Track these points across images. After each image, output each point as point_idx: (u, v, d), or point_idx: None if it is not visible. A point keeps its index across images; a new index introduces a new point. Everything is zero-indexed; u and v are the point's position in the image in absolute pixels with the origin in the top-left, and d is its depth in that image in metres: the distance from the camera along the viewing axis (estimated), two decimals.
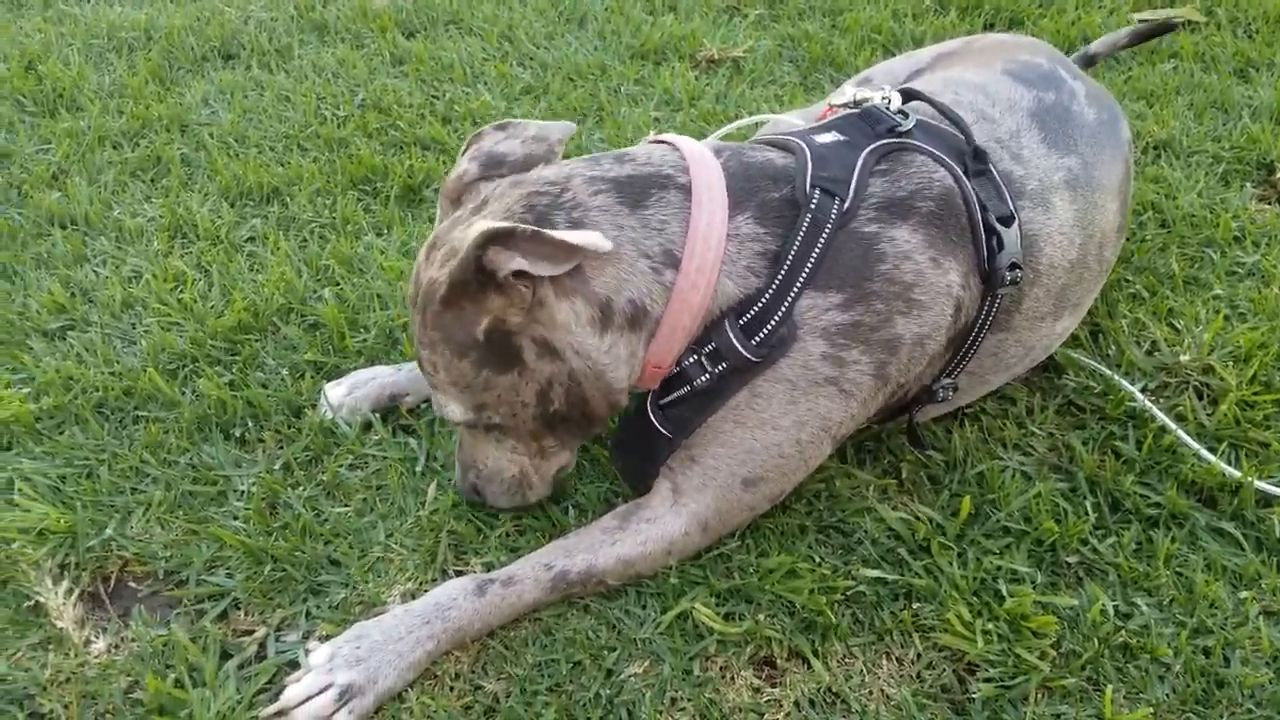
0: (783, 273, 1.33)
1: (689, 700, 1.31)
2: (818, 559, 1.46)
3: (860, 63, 2.94)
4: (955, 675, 1.34)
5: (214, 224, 2.21)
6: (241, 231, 2.21)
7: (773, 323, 1.34)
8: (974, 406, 1.70)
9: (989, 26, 3.22)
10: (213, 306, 1.95)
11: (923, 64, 2.04)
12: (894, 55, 2.95)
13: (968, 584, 1.42)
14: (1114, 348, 1.81)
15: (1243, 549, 1.48)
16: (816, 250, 1.33)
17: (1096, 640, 1.34)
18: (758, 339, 1.34)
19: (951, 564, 1.44)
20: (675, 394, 1.42)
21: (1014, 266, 1.44)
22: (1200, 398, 1.71)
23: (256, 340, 1.87)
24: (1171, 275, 1.98)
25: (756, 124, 2.13)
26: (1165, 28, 2.44)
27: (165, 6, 3.44)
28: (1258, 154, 2.40)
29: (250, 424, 1.71)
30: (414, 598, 1.43)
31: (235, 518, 1.56)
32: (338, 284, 2.00)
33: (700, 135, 2.55)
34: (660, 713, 1.30)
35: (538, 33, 3.18)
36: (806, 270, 1.33)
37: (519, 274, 1.25)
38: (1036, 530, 1.49)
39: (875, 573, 1.43)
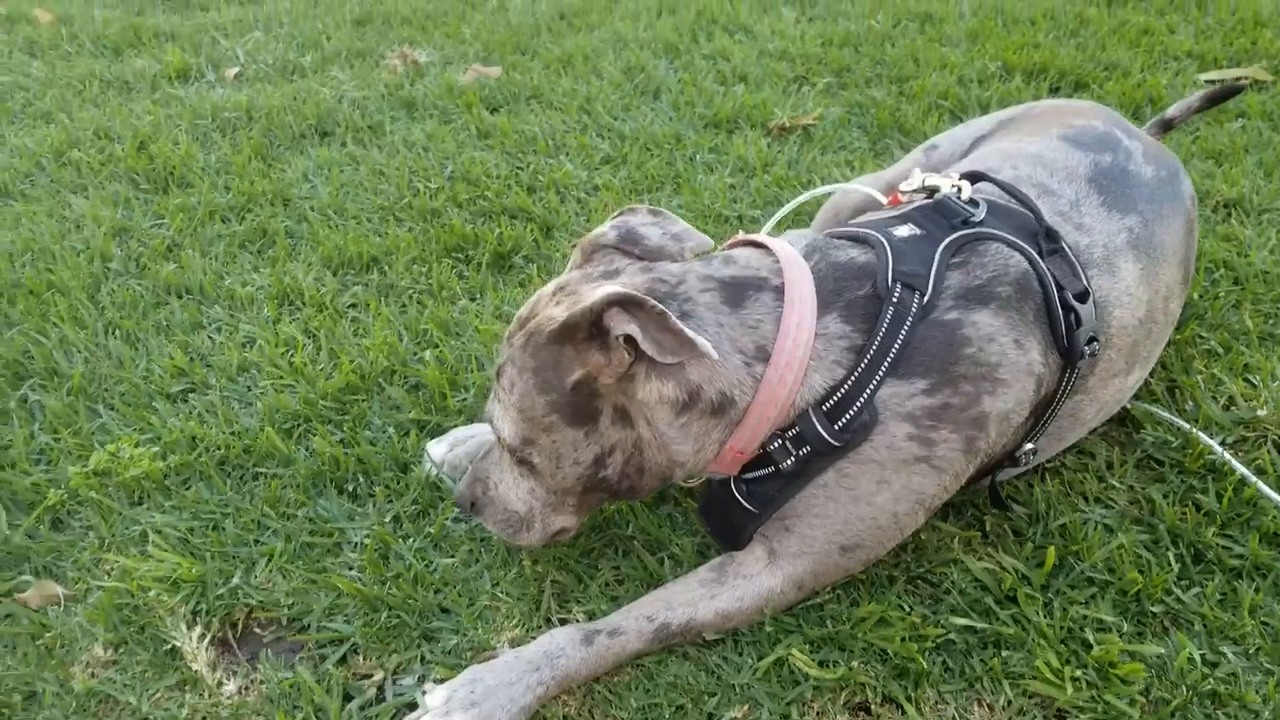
0: (864, 363, 1.42)
1: None
2: (907, 608, 1.52)
3: (928, 128, 3.03)
4: None
5: (319, 292, 2.35)
6: (344, 298, 2.34)
7: (854, 410, 1.42)
8: (1054, 461, 1.76)
9: (1054, 90, 3.30)
10: (321, 369, 2.08)
11: (985, 131, 2.12)
12: (960, 120, 3.05)
13: (1055, 633, 1.47)
14: (1190, 403, 1.85)
15: None
16: (899, 341, 1.42)
17: (1185, 688, 1.38)
18: (840, 424, 1.42)
19: (1038, 613, 1.49)
20: (760, 472, 1.51)
21: (1091, 340, 1.51)
22: (1275, 451, 1.75)
23: (363, 400, 1.99)
24: (1246, 331, 2.02)
25: (827, 194, 2.22)
26: (1235, 90, 2.50)
27: (264, 88, 3.64)
28: None
29: (361, 479, 1.82)
30: (521, 644, 1.51)
31: (350, 568, 1.66)
32: (436, 346, 2.12)
33: (775, 200, 2.65)
34: None
35: (615, 105, 3.32)
36: (888, 360, 1.42)
37: (628, 340, 1.34)
38: (1121, 580, 1.53)
39: (964, 621, 1.48)
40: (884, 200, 1.85)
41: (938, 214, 1.56)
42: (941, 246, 1.48)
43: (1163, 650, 1.44)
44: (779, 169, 2.83)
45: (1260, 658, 1.43)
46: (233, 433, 1.93)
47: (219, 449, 1.89)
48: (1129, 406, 1.81)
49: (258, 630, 1.61)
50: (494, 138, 3.12)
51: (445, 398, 1.97)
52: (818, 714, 1.41)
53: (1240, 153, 2.77)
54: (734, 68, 3.61)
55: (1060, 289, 1.49)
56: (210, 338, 2.24)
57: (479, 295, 2.33)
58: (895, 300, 1.42)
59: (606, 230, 1.56)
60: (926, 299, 1.43)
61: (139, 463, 1.84)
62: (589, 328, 1.36)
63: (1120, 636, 1.46)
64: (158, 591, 1.62)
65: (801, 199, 2.07)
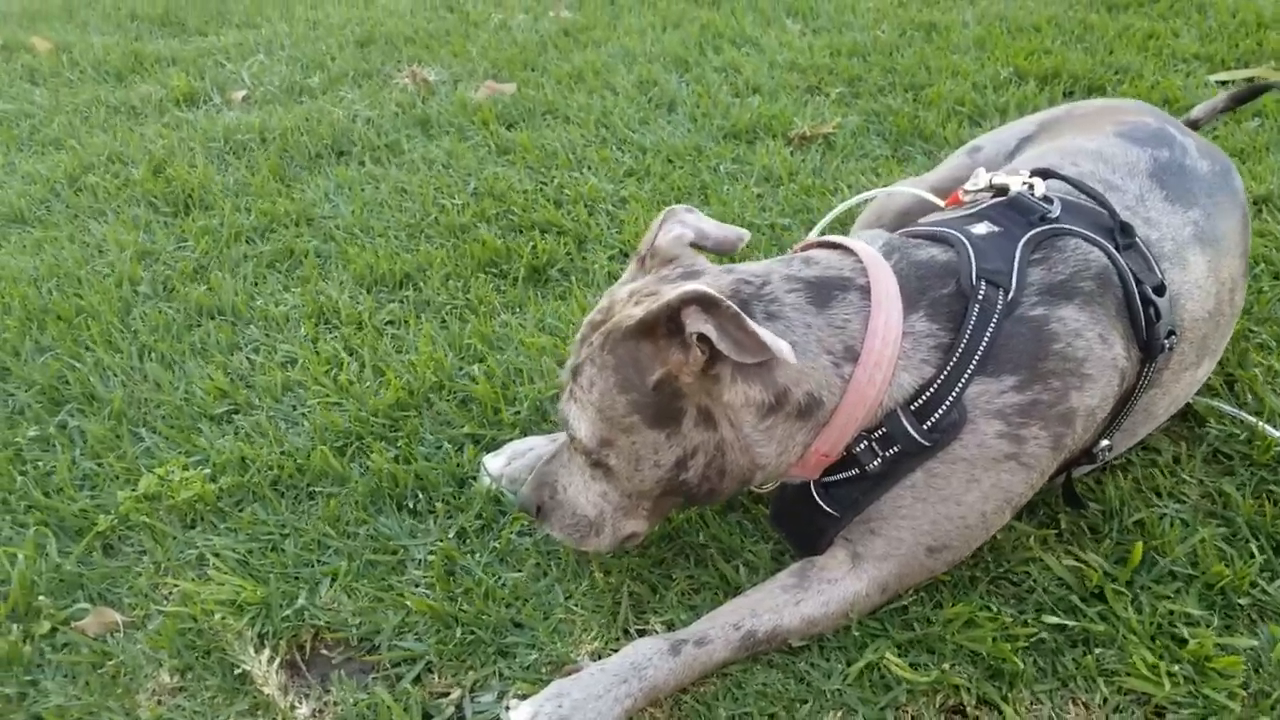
0: (953, 362, 1.40)
1: None
2: (994, 608, 1.50)
3: (948, 134, 3.04)
4: (1145, 718, 1.37)
5: (355, 309, 2.32)
6: (381, 315, 2.31)
7: (943, 408, 1.40)
8: (1121, 458, 1.74)
9: (1068, 94, 3.32)
10: (368, 387, 2.05)
11: (1029, 132, 2.12)
12: (980, 126, 3.06)
13: (1144, 629, 1.45)
14: (1250, 396, 1.85)
15: None
16: (986, 339, 1.40)
17: None
18: (929, 424, 1.40)
19: (1126, 609, 1.47)
20: (842, 475, 1.48)
21: (1170, 333, 1.50)
22: None
23: (414, 417, 1.96)
24: None
25: (870, 199, 2.22)
26: (1263, 89, 2.52)
27: (274, 110, 3.61)
28: None
29: (420, 496, 1.79)
30: (601, 657, 1.48)
31: (417, 585, 1.63)
32: (483, 360, 2.09)
33: (804, 208, 2.65)
34: None
35: (631, 118, 3.31)
36: (976, 359, 1.40)
37: (702, 338, 1.32)
38: (1205, 574, 1.52)
39: (1055, 619, 1.46)
40: (938, 201, 1.85)
41: (1014, 211, 1.55)
42: (1022, 243, 1.47)
43: (1255, 643, 1.42)
44: (804, 177, 2.83)
45: None
46: (283, 452, 1.90)
47: (271, 469, 1.86)
48: (1191, 401, 1.81)
49: (325, 652, 1.57)
50: (514, 153, 3.10)
51: (498, 412, 1.95)
52: (913, 717, 1.39)
53: (1262, 150, 2.78)
54: (746, 80, 3.61)
55: (1139, 283, 1.48)
56: (249, 358, 2.20)
57: (519, 309, 2.31)
58: (981, 297, 1.41)
59: (680, 230, 1.54)
60: (1011, 295, 1.42)
61: (190, 485, 1.80)
62: (667, 324, 1.34)
63: (1209, 630, 1.44)
64: (222, 615, 1.58)
65: (849, 203, 2.06)
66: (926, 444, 1.40)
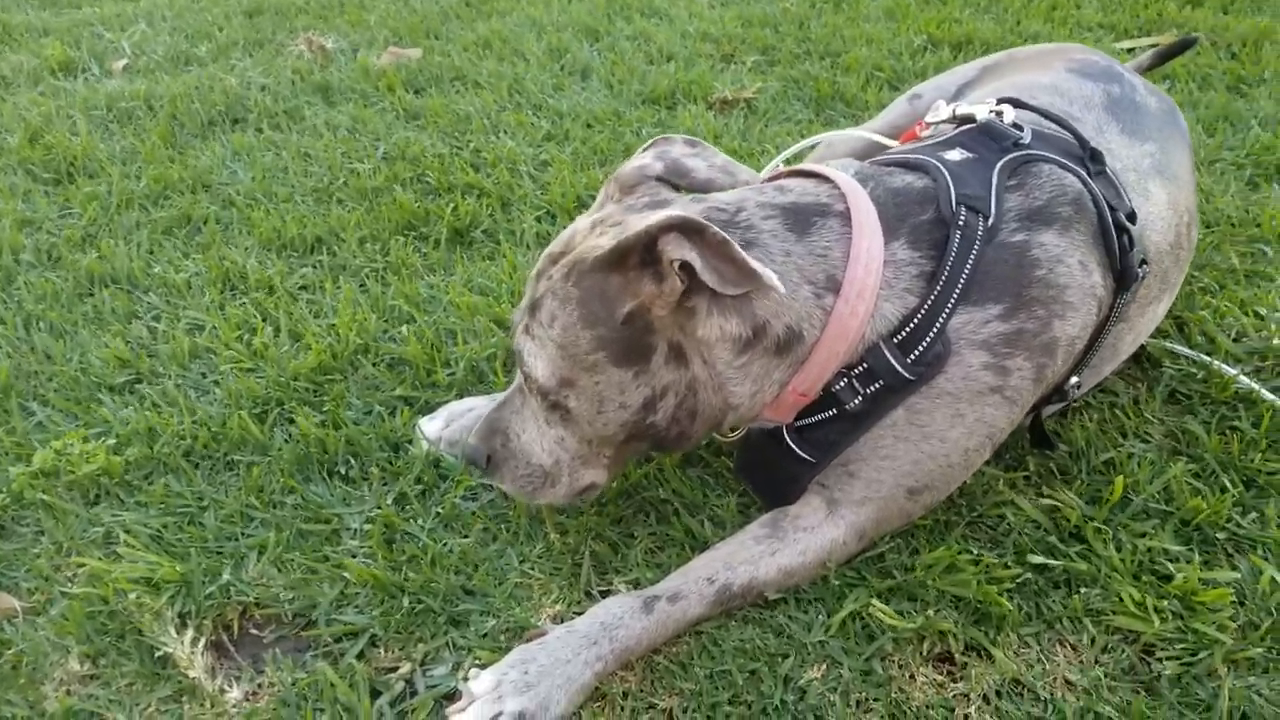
0: (937, 290, 1.32)
1: (876, 700, 1.27)
2: (974, 551, 1.44)
3: (869, 98, 3.00)
4: (1135, 657, 1.32)
5: (265, 274, 2.16)
6: (294, 280, 2.16)
7: (927, 340, 1.32)
8: (1081, 400, 1.71)
9: None
10: (286, 351, 1.89)
11: (970, 76, 2.08)
12: (899, 90, 3.03)
13: (1126, 566, 1.41)
14: (1201, 336, 1.83)
15: None
16: (969, 266, 1.33)
17: (1274, 610, 1.33)
18: (913, 357, 1.33)
19: (1108, 547, 1.43)
20: (818, 417, 1.40)
21: (1143, 262, 1.46)
22: None
23: (340, 381, 1.82)
24: (1234, 269, 2.02)
25: (810, 146, 2.15)
26: (1187, 43, 2.53)
27: (160, 78, 3.39)
28: (1275, 160, 2.48)
29: (352, 462, 1.65)
30: (564, 620, 1.37)
31: (355, 555, 1.49)
32: (412, 322, 1.95)
33: None
34: (850, 716, 1.26)
35: (545, 85, 3.19)
36: (960, 287, 1.33)
37: (683, 267, 1.22)
38: (1180, 510, 1.48)
39: (1041, 559, 1.41)
40: (889, 142, 1.78)
41: (986, 137, 1.48)
42: (997, 168, 1.41)
43: (1237, 575, 1.39)
44: (730, 140, 2.75)
45: None
46: (195, 421, 1.73)
47: (183, 439, 1.70)
48: (1146, 343, 1.78)
49: (255, 630, 1.43)
50: (425, 118, 2.95)
51: (431, 373, 1.82)
52: (900, 667, 1.31)
53: None
54: (659, 48, 3.52)
55: (1112, 210, 1.44)
56: (149, 326, 2.02)
57: (445, 270, 2.17)
58: (962, 223, 1.34)
59: (649, 161, 1.44)
60: (991, 221, 1.35)
61: (93, 459, 1.63)
62: (642, 253, 1.23)
63: (1190, 566, 1.40)
64: (137, 594, 1.42)
65: (793, 150, 1.99)
66: (911, 378, 1.33)
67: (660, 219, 1.19)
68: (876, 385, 1.34)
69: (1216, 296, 1.94)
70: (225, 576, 1.45)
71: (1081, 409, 1.69)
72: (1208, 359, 1.73)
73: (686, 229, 1.19)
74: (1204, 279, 1.99)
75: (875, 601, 1.35)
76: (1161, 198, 1.59)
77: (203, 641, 1.39)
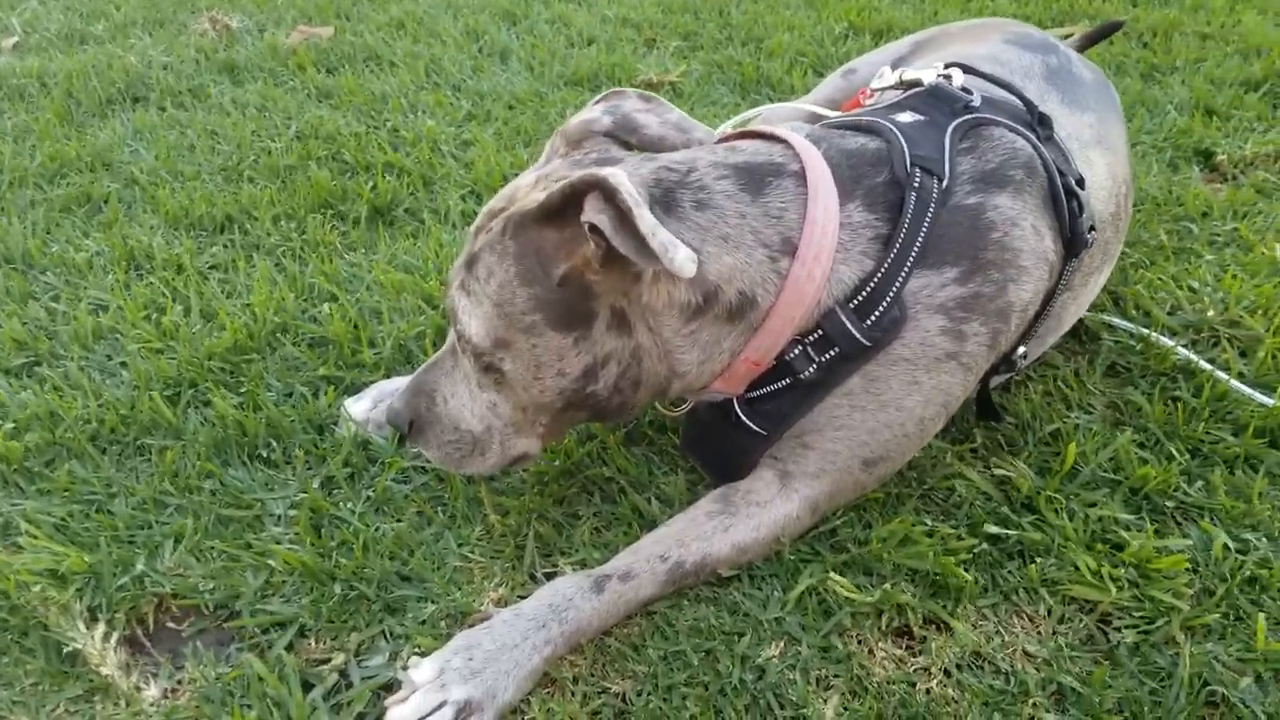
0: (893, 253, 1.28)
1: (836, 677, 1.23)
2: (929, 523, 1.40)
3: (795, 81, 2.98)
4: (1093, 626, 1.30)
5: (172, 253, 2.03)
6: (204, 259, 2.04)
7: (884, 304, 1.28)
8: (1021, 374, 1.69)
9: None
10: (198, 330, 1.78)
11: (903, 52, 2.07)
12: (823, 75, 3.01)
13: (1079, 536, 1.39)
14: (1136, 310, 1.84)
15: None
16: (924, 229, 1.29)
17: (1227, 575, 1.32)
18: (869, 322, 1.28)
19: (1060, 517, 1.41)
20: (769, 388, 1.35)
21: (1091, 228, 1.44)
22: (1229, 349, 1.75)
23: (258, 361, 1.71)
24: (1161, 246, 2.04)
25: (753, 118, 2.11)
26: (1112, 27, 2.56)
27: (54, 56, 3.22)
28: (1193, 142, 2.52)
29: (274, 444, 1.55)
30: (508, 604, 1.30)
31: (278, 542, 1.40)
32: (335, 300, 1.86)
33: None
34: (810, 693, 1.21)
35: (463, 65, 3.10)
36: (916, 249, 1.29)
37: (594, 229, 1.14)
38: (1128, 480, 1.47)
39: (995, 529, 1.38)
40: (828, 113, 1.75)
41: (935, 100, 1.45)
42: (949, 130, 1.38)
43: (1189, 543, 1.38)
44: None
45: None
46: (101, 404, 1.61)
47: (88, 423, 1.58)
48: (1083, 316, 1.78)
49: (173, 624, 1.33)
50: (338, 97, 2.84)
51: (356, 353, 1.72)
52: (859, 642, 1.27)
53: None
54: (579, 31, 3.46)
55: (1062, 175, 1.42)
56: (47, 307, 1.89)
57: (368, 249, 2.08)
58: (916, 185, 1.30)
59: (598, 116, 1.37)
60: (946, 183, 1.32)
61: None
62: (567, 210, 1.15)
63: (1144, 534, 1.39)
64: (41, 587, 1.31)
65: (730, 123, 1.94)
66: (868, 344, 1.28)
67: (582, 175, 1.12)
68: (832, 353, 1.29)
69: (1149, 271, 1.95)
70: (139, 567, 1.35)
71: (1024, 382, 1.68)
72: (1145, 331, 1.74)
73: (605, 190, 1.11)
74: (1135, 255, 2.00)
75: (833, 575, 1.31)
76: (1102, 167, 1.58)
77: (115, 636, 1.28)
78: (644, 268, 1.16)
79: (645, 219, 1.08)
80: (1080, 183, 1.44)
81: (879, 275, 1.28)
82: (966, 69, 1.54)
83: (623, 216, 1.10)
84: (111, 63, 3.09)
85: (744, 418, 1.37)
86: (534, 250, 1.20)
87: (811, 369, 1.31)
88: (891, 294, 1.28)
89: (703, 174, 1.26)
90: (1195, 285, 1.87)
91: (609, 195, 1.11)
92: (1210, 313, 1.78)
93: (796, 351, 1.30)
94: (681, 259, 1.10)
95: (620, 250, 1.11)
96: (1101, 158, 1.59)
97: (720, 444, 1.42)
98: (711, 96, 2.94)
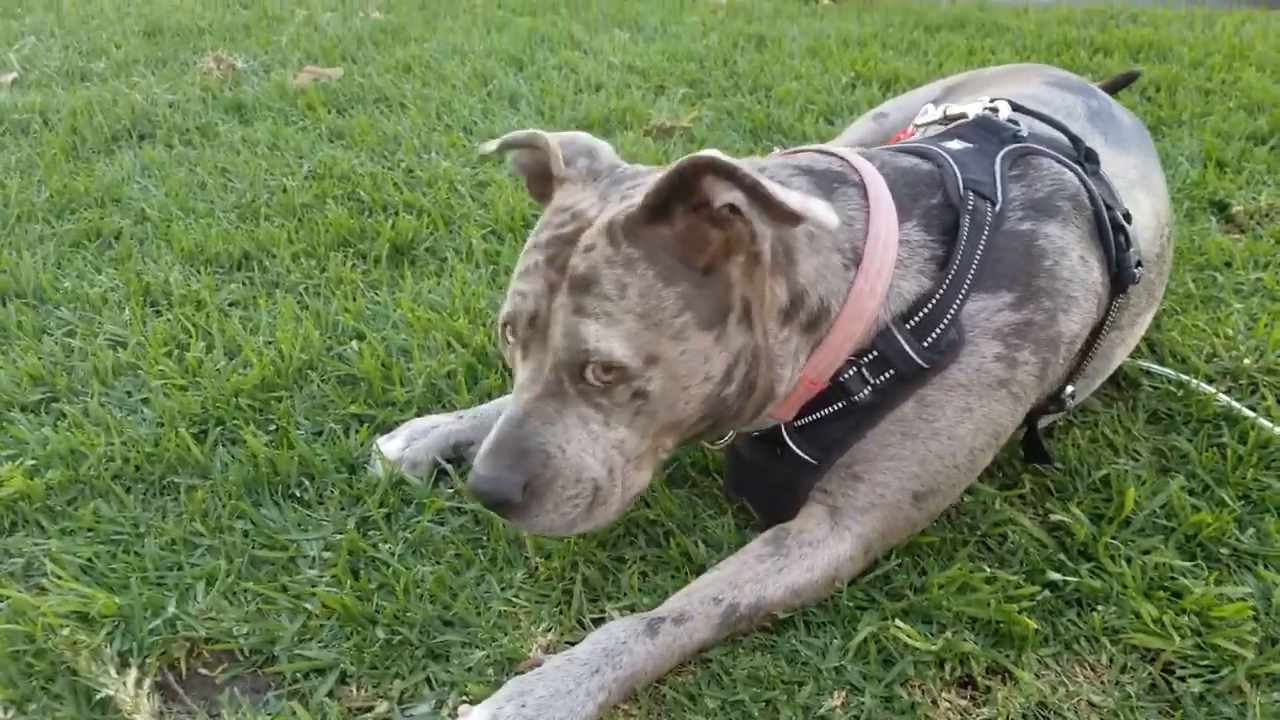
0: (951, 275, 1.27)
1: None
2: (988, 570, 1.37)
3: (806, 127, 2.99)
4: (1157, 676, 1.26)
5: (191, 289, 1.99)
6: (222, 295, 2.00)
7: (941, 326, 1.26)
8: (1065, 420, 1.67)
9: None
10: (222, 367, 1.74)
11: (935, 95, 2.08)
12: (833, 125, 3.03)
13: (1137, 583, 1.36)
14: (1171, 357, 1.82)
15: None
16: (979, 252, 1.28)
17: None
18: (927, 343, 1.26)
19: (1119, 564, 1.38)
20: (822, 413, 1.31)
21: (1138, 264, 1.43)
22: (1269, 396, 1.73)
23: (287, 398, 1.67)
24: (1190, 294, 2.04)
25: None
26: (1129, 78, 2.59)
27: (55, 91, 3.19)
28: (1207, 194, 2.53)
29: (307, 483, 1.51)
30: (558, 650, 1.26)
31: (315, 584, 1.35)
32: (362, 338, 1.82)
33: None
34: None
35: (474, 109, 3.10)
36: (973, 272, 1.27)
37: (734, 210, 1.10)
38: (1181, 526, 1.45)
39: (1057, 576, 1.35)
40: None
41: (984, 130, 1.45)
42: (999, 157, 1.37)
43: (1248, 590, 1.35)
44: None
45: None
46: (125, 441, 1.56)
47: (112, 460, 1.53)
48: (1122, 364, 1.77)
49: (205, 670, 1.27)
50: (350, 137, 2.82)
51: (387, 390, 1.69)
52: (922, 692, 1.23)
53: None
54: (586, 78, 3.47)
55: (1109, 209, 1.41)
56: (62, 341, 1.84)
57: (390, 287, 2.04)
58: (971, 208, 1.29)
59: (560, 150, 1.29)
60: (999, 208, 1.31)
61: (9, 481, 1.45)
62: (683, 196, 1.11)
63: (1203, 581, 1.37)
64: (70, 630, 1.25)
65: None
66: (925, 366, 1.25)
67: (687, 161, 1.08)
68: (887, 374, 1.26)
69: (1182, 318, 1.94)
70: (170, 610, 1.30)
71: (1068, 427, 1.66)
72: (1186, 378, 1.72)
73: (719, 170, 1.08)
74: (1166, 302, 1.99)
75: (896, 622, 1.27)
76: (1147, 207, 1.58)
77: (147, 683, 1.23)
78: (784, 226, 1.11)
79: (772, 185, 1.06)
80: (1127, 217, 1.43)
81: (937, 296, 1.26)
82: (1013, 104, 1.54)
83: (752, 190, 1.07)
84: (116, 99, 3.06)
85: (794, 446, 1.33)
86: (663, 248, 1.15)
87: (866, 391, 1.27)
88: (950, 315, 1.25)
89: (774, 171, 1.24)
90: (1229, 333, 1.86)
91: (728, 173, 1.08)
92: (1246, 360, 1.77)
93: (851, 373, 1.27)
94: (823, 209, 1.07)
95: (765, 221, 1.10)
96: (1146, 198, 1.59)
97: (767, 479, 1.38)
98: (723, 141, 2.94)
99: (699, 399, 1.20)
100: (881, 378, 1.27)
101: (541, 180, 1.33)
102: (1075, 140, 1.48)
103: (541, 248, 1.22)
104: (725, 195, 1.09)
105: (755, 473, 1.40)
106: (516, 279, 1.23)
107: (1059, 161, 1.42)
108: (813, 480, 1.34)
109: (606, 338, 1.14)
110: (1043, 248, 1.33)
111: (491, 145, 1.38)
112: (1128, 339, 1.58)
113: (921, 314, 1.26)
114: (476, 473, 1.17)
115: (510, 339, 1.23)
